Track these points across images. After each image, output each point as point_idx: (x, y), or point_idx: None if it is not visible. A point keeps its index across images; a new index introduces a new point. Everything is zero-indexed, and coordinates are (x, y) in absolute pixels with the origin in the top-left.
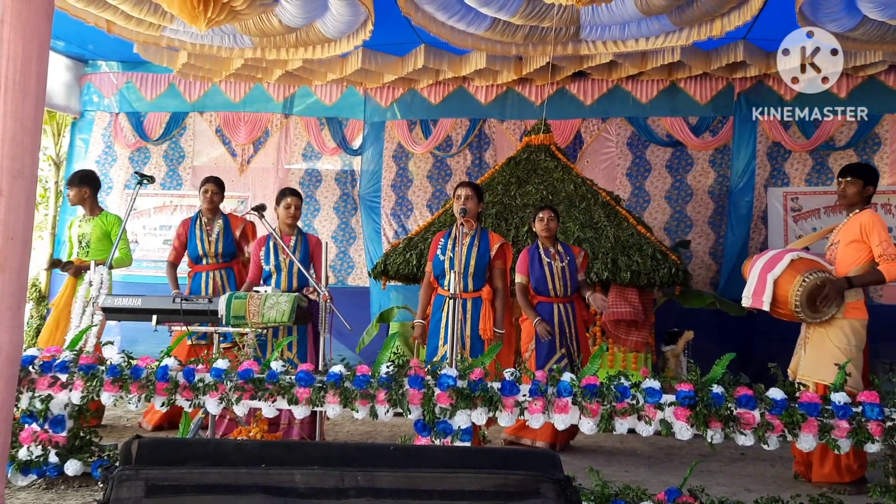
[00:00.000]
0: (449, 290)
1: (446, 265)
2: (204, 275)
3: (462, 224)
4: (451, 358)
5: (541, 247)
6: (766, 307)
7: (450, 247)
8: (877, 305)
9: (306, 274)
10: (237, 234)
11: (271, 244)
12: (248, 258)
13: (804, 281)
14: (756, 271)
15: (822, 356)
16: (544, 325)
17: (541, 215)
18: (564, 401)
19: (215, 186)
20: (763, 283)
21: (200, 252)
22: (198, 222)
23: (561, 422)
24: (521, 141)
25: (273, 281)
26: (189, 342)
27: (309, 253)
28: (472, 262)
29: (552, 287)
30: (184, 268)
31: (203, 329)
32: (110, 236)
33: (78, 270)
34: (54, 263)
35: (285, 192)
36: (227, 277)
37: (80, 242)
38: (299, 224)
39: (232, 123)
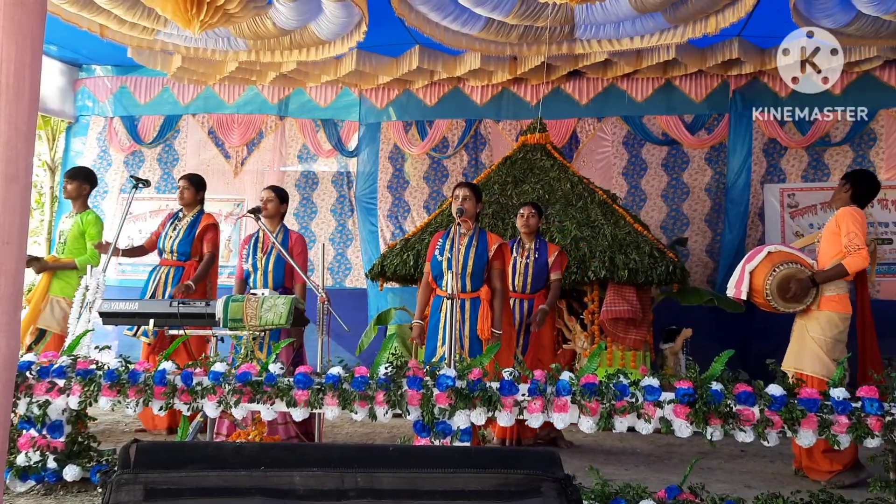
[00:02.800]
0: (447, 290)
1: (444, 266)
2: (157, 270)
3: (459, 224)
4: (449, 358)
5: (518, 242)
6: (743, 297)
7: (448, 247)
8: (873, 301)
9: (297, 272)
10: (198, 233)
11: (252, 244)
12: (208, 259)
13: (774, 271)
14: (741, 264)
15: (801, 347)
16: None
17: (521, 211)
18: (563, 400)
19: (187, 182)
20: (743, 275)
21: (161, 245)
22: (177, 217)
23: (560, 420)
24: (518, 141)
25: (251, 280)
26: (146, 340)
27: (288, 249)
28: (471, 263)
29: (512, 282)
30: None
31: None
32: (84, 236)
33: (41, 269)
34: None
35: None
36: (172, 276)
37: (60, 238)
38: (289, 223)
39: (225, 125)
